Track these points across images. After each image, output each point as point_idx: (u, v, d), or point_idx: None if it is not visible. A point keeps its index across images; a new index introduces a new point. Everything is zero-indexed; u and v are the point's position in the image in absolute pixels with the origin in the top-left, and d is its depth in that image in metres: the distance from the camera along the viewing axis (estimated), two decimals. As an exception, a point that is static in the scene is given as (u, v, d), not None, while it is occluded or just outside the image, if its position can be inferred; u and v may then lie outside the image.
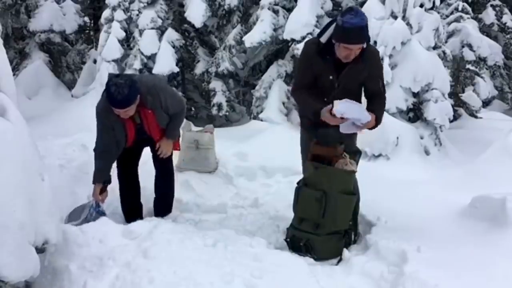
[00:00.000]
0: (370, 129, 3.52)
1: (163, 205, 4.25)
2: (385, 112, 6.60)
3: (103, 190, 3.98)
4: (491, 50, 9.76)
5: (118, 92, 3.52)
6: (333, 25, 3.39)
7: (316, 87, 3.57)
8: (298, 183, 3.76)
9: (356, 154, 3.65)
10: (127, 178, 4.17)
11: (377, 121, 3.48)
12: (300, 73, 3.67)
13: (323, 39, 3.47)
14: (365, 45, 3.41)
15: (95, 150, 3.94)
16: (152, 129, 3.91)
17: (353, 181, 3.65)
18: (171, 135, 4.00)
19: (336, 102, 3.32)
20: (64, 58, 12.20)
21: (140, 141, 4.00)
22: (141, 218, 4.02)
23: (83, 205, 4.04)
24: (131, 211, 4.14)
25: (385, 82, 6.65)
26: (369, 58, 3.47)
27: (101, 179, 3.95)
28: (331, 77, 3.50)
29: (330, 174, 3.55)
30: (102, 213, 3.91)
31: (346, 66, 3.45)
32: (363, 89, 3.67)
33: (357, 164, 3.66)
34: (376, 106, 3.56)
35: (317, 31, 7.89)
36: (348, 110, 3.31)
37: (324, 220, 3.54)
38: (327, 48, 3.44)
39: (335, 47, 3.40)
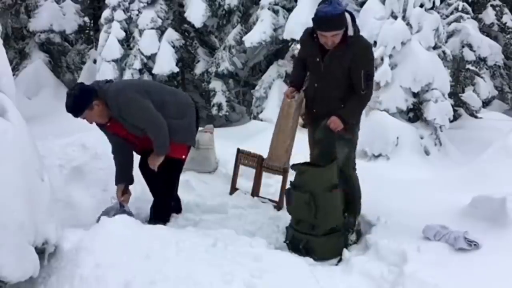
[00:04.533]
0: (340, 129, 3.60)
1: (153, 213, 4.16)
2: (385, 112, 6.72)
3: (125, 191, 3.98)
4: (491, 50, 9.77)
5: (67, 101, 3.68)
6: None
7: (310, 73, 3.81)
8: (290, 184, 3.79)
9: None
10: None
11: (342, 120, 3.56)
12: (299, 49, 4.08)
13: None
14: (351, 33, 3.54)
15: (112, 152, 4.02)
16: (124, 135, 3.89)
17: (334, 174, 3.63)
18: (155, 151, 3.85)
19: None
20: (64, 58, 12.21)
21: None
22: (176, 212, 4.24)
23: (108, 208, 4.00)
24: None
25: (384, 82, 6.78)
26: (353, 46, 3.55)
27: (119, 180, 3.97)
28: (317, 59, 3.66)
29: (313, 175, 3.58)
30: (129, 214, 3.85)
31: (328, 50, 3.61)
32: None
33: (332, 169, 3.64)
34: (348, 105, 3.62)
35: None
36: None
37: (318, 220, 3.57)
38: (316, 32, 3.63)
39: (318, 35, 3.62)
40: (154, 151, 3.83)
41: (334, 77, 3.63)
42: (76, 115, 3.71)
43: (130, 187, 4.09)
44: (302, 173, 3.65)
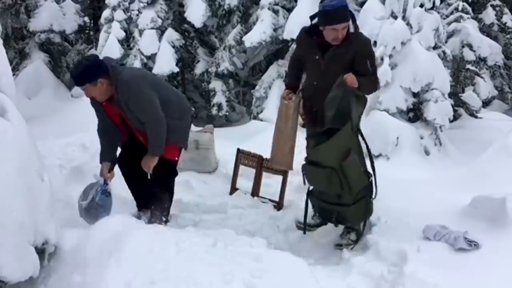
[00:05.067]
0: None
1: (153, 216, 4.08)
2: (385, 112, 6.71)
3: (110, 170, 3.96)
4: (491, 50, 9.75)
5: (75, 68, 3.72)
6: None
7: (307, 73, 3.85)
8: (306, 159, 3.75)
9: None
10: (127, 175, 4.15)
11: (359, 83, 3.54)
12: (294, 49, 4.08)
13: (314, 21, 3.70)
14: (352, 30, 3.61)
15: (97, 130, 4.01)
16: (115, 119, 3.87)
17: (345, 140, 3.58)
18: (150, 150, 3.80)
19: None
20: (64, 58, 12.19)
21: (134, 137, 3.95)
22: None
23: (92, 184, 3.99)
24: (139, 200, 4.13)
25: (384, 82, 6.78)
26: (355, 42, 3.62)
27: (105, 157, 3.94)
28: (317, 57, 3.69)
29: (325, 151, 3.55)
30: (107, 193, 3.89)
31: (330, 48, 3.64)
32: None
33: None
34: (363, 77, 3.60)
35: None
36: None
37: (344, 191, 3.56)
38: (316, 29, 3.66)
39: (323, 33, 3.62)
40: (148, 151, 3.80)
41: (334, 74, 3.62)
42: (77, 84, 3.73)
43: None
44: (315, 152, 3.62)
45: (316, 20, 3.69)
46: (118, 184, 4.22)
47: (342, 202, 3.62)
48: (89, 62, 3.69)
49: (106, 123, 3.92)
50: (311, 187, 3.82)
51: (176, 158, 4.00)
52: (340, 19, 3.52)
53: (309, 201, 3.86)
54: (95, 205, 3.78)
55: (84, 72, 3.62)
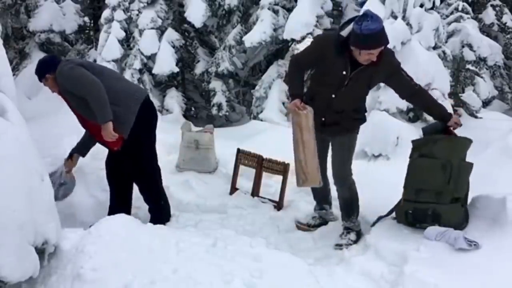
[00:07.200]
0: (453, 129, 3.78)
1: (153, 218, 4.09)
2: (385, 112, 6.71)
3: (72, 159, 4.21)
4: (491, 50, 9.75)
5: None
6: (352, 25, 3.41)
7: (322, 81, 3.64)
8: (410, 156, 3.78)
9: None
10: (114, 186, 4.15)
11: (450, 115, 3.73)
12: (307, 52, 3.74)
13: (344, 33, 3.48)
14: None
15: None
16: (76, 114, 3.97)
17: (465, 148, 3.75)
18: (99, 119, 3.70)
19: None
20: (64, 58, 12.19)
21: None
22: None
23: (56, 171, 4.22)
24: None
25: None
26: (384, 59, 3.48)
27: (76, 150, 4.20)
28: (344, 73, 3.52)
29: (449, 142, 3.64)
30: (64, 181, 4.19)
31: (360, 64, 3.49)
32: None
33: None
34: (435, 106, 3.77)
35: (317, 31, 7.94)
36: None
37: (448, 187, 3.53)
38: (346, 43, 3.45)
39: (354, 51, 3.43)
40: (98, 121, 3.72)
41: (356, 90, 3.62)
42: (38, 79, 3.97)
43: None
44: (435, 142, 3.64)
45: (345, 32, 3.47)
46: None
47: (439, 200, 3.56)
48: (42, 59, 4.01)
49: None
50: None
51: (115, 148, 3.89)
52: (378, 44, 3.36)
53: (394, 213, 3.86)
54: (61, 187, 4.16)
55: (38, 68, 3.94)
